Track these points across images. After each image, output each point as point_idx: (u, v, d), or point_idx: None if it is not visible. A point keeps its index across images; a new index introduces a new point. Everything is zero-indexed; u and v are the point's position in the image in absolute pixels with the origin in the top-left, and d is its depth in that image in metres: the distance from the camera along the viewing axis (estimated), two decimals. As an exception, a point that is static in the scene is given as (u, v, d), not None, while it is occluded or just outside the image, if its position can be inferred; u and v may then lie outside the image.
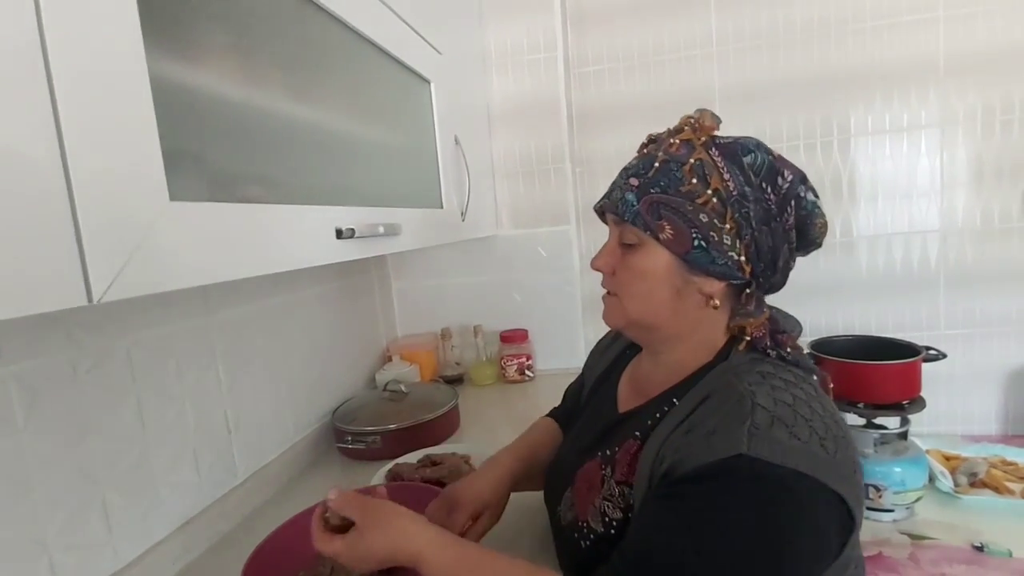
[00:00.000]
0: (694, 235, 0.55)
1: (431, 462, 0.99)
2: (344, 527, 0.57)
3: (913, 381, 1.36)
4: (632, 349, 0.74)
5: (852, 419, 1.36)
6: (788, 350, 0.57)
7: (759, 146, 0.57)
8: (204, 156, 0.51)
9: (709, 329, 0.60)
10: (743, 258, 0.56)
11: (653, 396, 0.61)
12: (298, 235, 0.62)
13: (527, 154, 1.59)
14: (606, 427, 0.66)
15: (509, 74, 1.56)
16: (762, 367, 0.55)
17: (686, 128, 0.59)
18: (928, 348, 1.40)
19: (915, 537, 1.23)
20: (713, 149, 0.57)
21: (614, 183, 0.62)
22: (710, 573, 0.45)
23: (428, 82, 1.09)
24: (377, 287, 1.62)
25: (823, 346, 1.46)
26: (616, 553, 0.50)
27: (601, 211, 0.64)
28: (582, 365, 0.87)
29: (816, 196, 0.57)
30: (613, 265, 0.62)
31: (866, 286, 1.59)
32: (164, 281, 0.43)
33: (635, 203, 0.57)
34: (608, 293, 0.64)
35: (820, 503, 0.47)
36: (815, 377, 0.57)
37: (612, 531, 0.56)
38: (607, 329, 0.83)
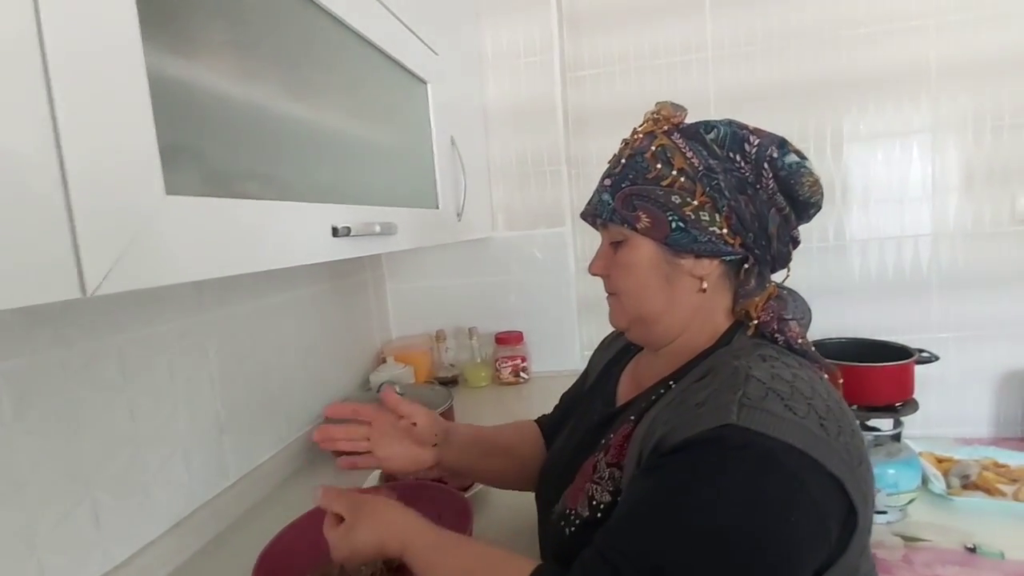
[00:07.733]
0: (670, 218, 0.55)
1: (426, 463, 0.99)
2: None
3: (906, 383, 1.37)
4: (635, 346, 0.73)
5: (845, 421, 1.37)
6: (799, 341, 0.56)
7: (727, 122, 0.57)
8: (201, 151, 0.51)
9: (709, 315, 0.59)
10: (726, 231, 0.55)
11: (650, 385, 0.60)
12: (294, 232, 0.62)
13: (523, 156, 1.59)
14: (604, 420, 0.64)
15: (505, 76, 1.56)
16: (764, 350, 0.53)
17: (648, 121, 0.60)
18: (920, 351, 1.41)
19: (908, 539, 1.23)
20: (675, 134, 0.58)
21: (595, 189, 0.63)
22: (691, 548, 0.43)
23: (425, 83, 1.09)
24: (372, 288, 1.61)
25: (817, 349, 1.46)
26: (599, 532, 0.48)
27: (585, 218, 0.64)
28: (577, 367, 0.87)
29: (801, 157, 0.55)
30: (607, 267, 0.62)
31: (859, 289, 1.60)
32: (159, 275, 0.43)
33: (611, 201, 0.59)
34: (610, 295, 0.64)
35: (813, 483, 0.44)
36: (825, 374, 0.55)
37: (598, 515, 0.54)
38: (603, 331, 0.83)
